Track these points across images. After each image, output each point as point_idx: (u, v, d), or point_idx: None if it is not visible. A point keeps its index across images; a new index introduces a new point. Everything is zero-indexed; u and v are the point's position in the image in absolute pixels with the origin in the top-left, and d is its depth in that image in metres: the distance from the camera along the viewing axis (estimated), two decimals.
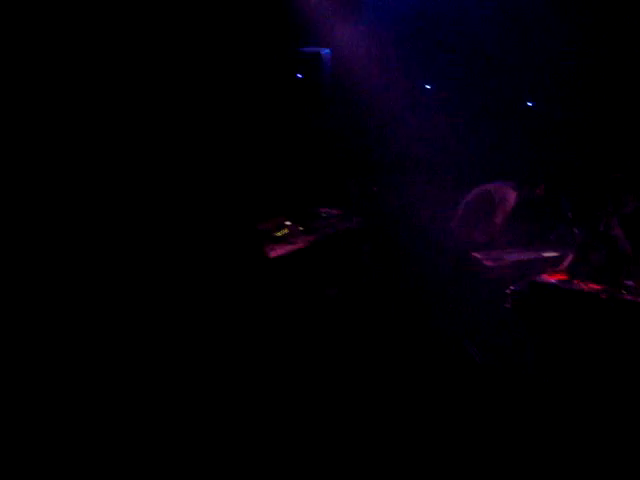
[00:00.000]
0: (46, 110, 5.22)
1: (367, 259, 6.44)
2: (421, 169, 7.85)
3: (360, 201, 7.44)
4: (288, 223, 6.17)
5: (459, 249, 5.85)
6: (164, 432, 3.78)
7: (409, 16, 7.65)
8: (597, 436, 3.79)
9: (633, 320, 4.34)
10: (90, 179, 5.22)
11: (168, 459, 3.60)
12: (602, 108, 6.97)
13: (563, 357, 4.47)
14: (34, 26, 5.18)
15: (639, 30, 6.71)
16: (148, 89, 5.78)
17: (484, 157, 7.35)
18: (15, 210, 4.87)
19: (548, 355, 4.54)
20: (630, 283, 4.60)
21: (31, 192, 4.99)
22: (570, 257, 5.05)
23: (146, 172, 5.50)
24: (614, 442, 3.74)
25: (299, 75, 7.54)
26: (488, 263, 5.40)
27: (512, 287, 4.92)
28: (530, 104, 7.69)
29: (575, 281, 4.75)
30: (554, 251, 5.50)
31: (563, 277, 4.86)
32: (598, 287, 4.61)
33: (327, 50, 7.47)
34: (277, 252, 5.61)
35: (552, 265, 5.13)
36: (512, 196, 5.92)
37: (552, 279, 4.83)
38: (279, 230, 6.04)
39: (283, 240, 5.89)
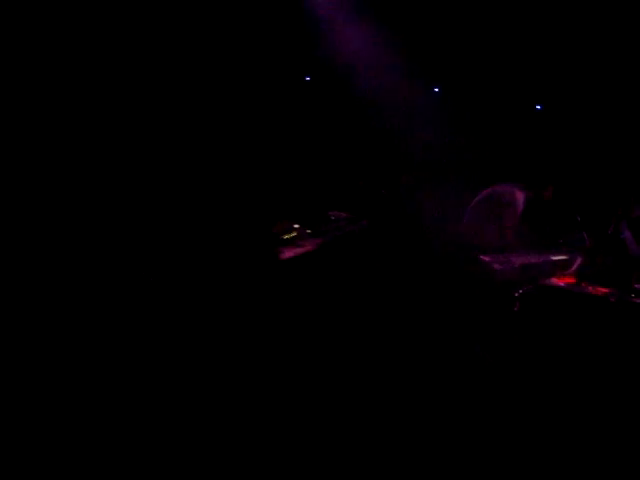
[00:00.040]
0: (47, 110, 5.25)
1: (376, 262, 6.44)
2: (430, 171, 7.84)
3: (369, 204, 7.44)
4: (296, 226, 6.17)
5: (467, 252, 5.85)
6: (166, 431, 3.79)
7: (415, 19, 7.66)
8: (604, 437, 3.79)
9: None
10: (106, 182, 5.25)
11: (168, 459, 3.61)
12: (611, 111, 6.95)
13: (572, 360, 4.47)
14: (34, 26, 5.21)
15: None
16: (160, 96, 5.80)
17: (492, 159, 7.34)
18: (15, 210, 4.89)
19: (556, 357, 4.53)
20: (639, 286, 4.59)
21: (32, 192, 5.01)
22: (579, 260, 5.05)
23: (159, 173, 5.52)
24: (620, 443, 3.73)
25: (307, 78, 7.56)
26: (496, 266, 5.40)
27: (521, 290, 4.91)
28: (538, 107, 7.68)
29: (584, 284, 4.74)
30: (563, 254, 5.48)
31: (572, 280, 4.86)
32: (607, 290, 4.61)
33: None
34: (285, 255, 5.62)
35: (561, 268, 5.12)
36: (521, 198, 5.91)
37: (561, 282, 4.83)
38: (287, 233, 6.05)
39: (291, 243, 5.90)
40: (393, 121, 7.94)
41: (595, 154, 6.83)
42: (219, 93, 6.42)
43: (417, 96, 8.01)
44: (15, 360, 4.18)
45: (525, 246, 5.76)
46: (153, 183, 5.54)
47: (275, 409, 4.05)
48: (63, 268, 4.83)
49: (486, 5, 7.24)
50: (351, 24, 7.50)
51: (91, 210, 5.21)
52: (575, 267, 5.01)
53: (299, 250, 5.76)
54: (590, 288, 4.69)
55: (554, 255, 5.53)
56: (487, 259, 5.47)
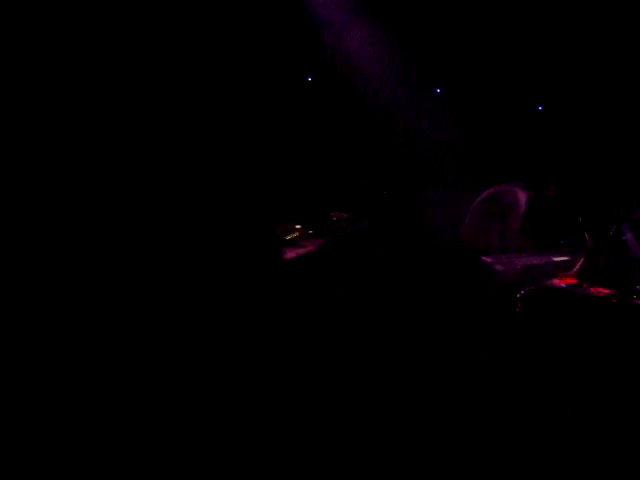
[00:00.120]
0: (47, 110, 5.25)
1: (377, 262, 6.45)
2: (431, 172, 7.85)
3: (370, 205, 7.45)
4: (298, 226, 6.18)
5: (469, 253, 5.85)
6: (167, 431, 3.80)
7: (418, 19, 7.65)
8: (605, 437, 3.79)
9: None
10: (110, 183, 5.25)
11: (168, 459, 3.61)
12: (613, 113, 6.95)
13: (574, 361, 4.47)
14: (34, 26, 5.21)
15: None
16: (162, 96, 5.81)
17: (494, 159, 7.35)
18: (15, 210, 4.90)
19: (558, 359, 4.53)
20: None
21: (34, 192, 5.01)
22: (581, 261, 5.05)
23: (161, 173, 5.52)
24: (621, 443, 3.74)
25: (309, 78, 7.56)
26: (498, 267, 5.40)
27: (522, 291, 4.91)
28: (540, 108, 7.68)
29: (585, 285, 4.74)
30: (565, 255, 5.49)
31: (573, 281, 4.86)
32: (608, 291, 4.60)
33: None
34: (287, 255, 5.63)
35: (563, 269, 5.13)
36: (523, 198, 5.91)
37: (562, 283, 4.83)
38: (289, 233, 6.06)
39: (293, 243, 5.91)
40: (395, 122, 7.95)
41: (597, 155, 6.83)
42: (222, 94, 6.42)
43: (419, 97, 8.01)
44: (15, 360, 4.19)
45: (527, 247, 5.77)
46: (155, 183, 5.55)
47: (276, 408, 4.06)
48: (63, 268, 4.83)
49: (488, 6, 7.25)
50: (352, 25, 7.50)
51: (93, 210, 5.21)
52: (577, 268, 5.01)
53: (301, 250, 5.76)
54: (592, 289, 4.68)
55: (556, 256, 5.53)
56: (489, 260, 5.48)
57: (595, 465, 3.59)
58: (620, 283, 4.64)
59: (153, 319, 4.74)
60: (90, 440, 3.65)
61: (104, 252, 4.97)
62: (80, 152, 5.33)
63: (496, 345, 4.85)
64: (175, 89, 5.92)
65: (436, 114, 7.94)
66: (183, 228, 5.42)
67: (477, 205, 6.17)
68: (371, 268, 6.33)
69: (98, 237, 5.08)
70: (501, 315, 4.98)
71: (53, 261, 4.82)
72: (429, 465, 3.64)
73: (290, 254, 5.69)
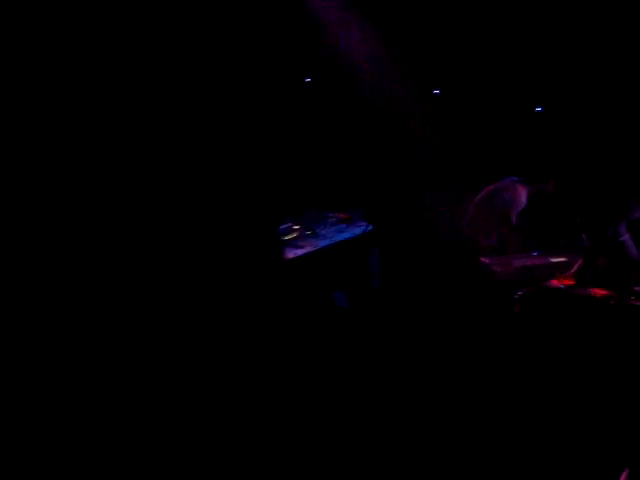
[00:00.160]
0: (47, 110, 5.25)
1: (375, 263, 6.45)
2: (430, 171, 7.84)
3: (369, 205, 7.45)
4: (296, 227, 6.18)
5: (468, 252, 5.85)
6: (166, 431, 3.80)
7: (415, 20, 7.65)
8: (604, 438, 3.79)
9: None
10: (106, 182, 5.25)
11: (168, 459, 3.61)
12: (611, 113, 6.95)
13: (571, 362, 4.47)
14: (34, 26, 5.21)
15: None
16: (162, 96, 5.81)
17: (493, 158, 7.34)
18: (15, 210, 4.89)
19: (556, 359, 4.53)
20: (638, 289, 4.59)
21: (35, 193, 5.01)
22: (578, 263, 5.04)
23: (160, 173, 5.52)
24: (620, 444, 3.74)
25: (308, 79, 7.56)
26: (496, 268, 5.40)
27: (520, 292, 4.91)
28: (539, 109, 7.68)
29: (583, 287, 4.74)
30: (562, 256, 5.49)
31: (571, 282, 4.86)
32: (606, 293, 4.61)
33: None
34: (286, 256, 5.63)
35: (560, 270, 5.13)
36: (523, 194, 5.91)
37: (560, 284, 4.83)
38: (287, 234, 6.06)
39: (291, 244, 5.91)
40: (394, 123, 7.94)
41: (594, 156, 6.82)
42: (221, 94, 6.42)
43: (418, 98, 8.01)
44: (15, 361, 4.19)
45: (526, 244, 5.76)
46: (154, 183, 5.55)
47: (275, 409, 4.06)
48: (63, 268, 4.83)
49: (487, 7, 7.25)
50: (352, 26, 7.51)
51: (91, 210, 5.21)
52: (575, 269, 5.01)
53: (299, 251, 5.76)
54: (590, 290, 4.68)
55: (554, 257, 5.53)
56: (487, 261, 5.48)
57: (593, 465, 3.59)
58: (618, 284, 4.64)
59: (152, 318, 4.74)
60: (90, 440, 3.66)
61: (102, 250, 4.96)
62: (79, 151, 5.33)
63: (494, 346, 4.85)
64: (174, 90, 5.92)
65: (435, 114, 7.94)
66: (182, 227, 5.42)
67: (477, 202, 6.16)
68: (369, 269, 6.33)
69: (96, 236, 5.08)
70: (499, 316, 4.98)
71: (50, 260, 4.82)
72: (427, 465, 3.64)
73: (288, 255, 5.69)
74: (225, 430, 3.84)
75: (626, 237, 4.78)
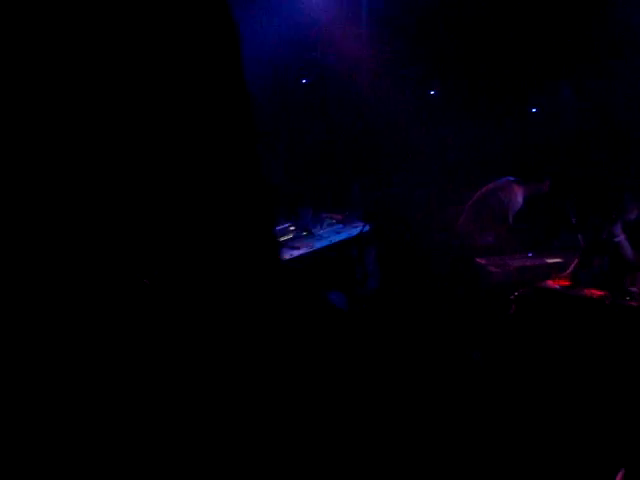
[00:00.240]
0: (47, 110, 5.25)
1: (372, 264, 6.45)
2: (426, 171, 7.86)
3: (364, 205, 7.46)
4: (292, 228, 6.18)
5: (464, 252, 5.85)
6: (166, 431, 3.79)
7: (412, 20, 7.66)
8: (600, 439, 3.80)
9: (637, 326, 4.34)
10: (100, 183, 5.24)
11: (168, 459, 3.61)
12: (607, 114, 6.97)
13: (567, 362, 4.47)
14: (34, 26, 5.21)
15: None
16: (156, 98, 5.80)
17: (488, 159, 7.36)
18: (15, 210, 4.90)
19: (552, 360, 4.54)
20: (634, 289, 4.59)
21: (32, 193, 5.00)
22: (574, 263, 5.05)
23: (161, 175, 5.52)
24: (617, 444, 3.74)
25: (304, 80, 7.57)
26: (492, 269, 5.41)
27: (516, 293, 4.92)
28: (534, 110, 7.70)
29: (579, 287, 4.75)
30: (558, 257, 5.50)
31: (567, 283, 4.86)
32: (602, 293, 4.61)
33: None
34: (282, 257, 5.63)
35: (556, 271, 5.13)
36: (520, 195, 5.91)
37: (556, 285, 4.83)
38: (283, 235, 6.05)
39: (287, 245, 5.90)
40: (390, 123, 7.96)
41: (590, 157, 6.85)
42: (217, 97, 6.42)
43: (414, 96, 8.03)
44: (16, 361, 4.19)
45: (522, 244, 5.77)
46: (148, 183, 5.55)
47: (273, 409, 4.05)
48: (62, 269, 4.83)
49: (482, 8, 7.26)
50: (347, 26, 7.52)
51: (88, 211, 5.21)
52: (570, 270, 5.02)
53: (294, 252, 5.76)
54: (585, 291, 4.69)
55: (549, 258, 5.54)
56: (482, 261, 5.48)
57: (588, 465, 3.60)
58: (613, 285, 4.65)
59: (149, 319, 4.74)
60: (90, 440, 3.66)
61: (97, 251, 4.96)
62: (76, 152, 5.33)
63: (490, 347, 4.85)
64: (167, 89, 5.93)
65: (431, 113, 7.95)
66: (177, 228, 5.42)
67: (473, 202, 6.16)
68: (366, 270, 6.33)
69: (92, 236, 5.08)
70: (495, 317, 4.98)
71: (47, 260, 4.82)
72: (423, 465, 3.64)
73: (284, 256, 5.69)
74: (223, 431, 3.84)
75: (621, 238, 4.79)
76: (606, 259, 4.86)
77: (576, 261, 5.05)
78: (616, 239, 4.78)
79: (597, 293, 4.62)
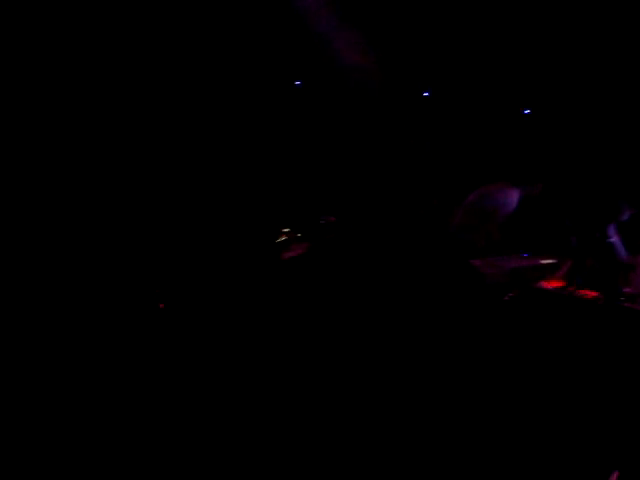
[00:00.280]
0: (47, 110, 5.24)
1: (365, 265, 6.44)
2: (420, 173, 7.87)
3: (360, 206, 7.46)
4: (286, 230, 6.18)
5: (457, 255, 5.85)
6: (166, 432, 3.80)
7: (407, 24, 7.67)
8: (592, 440, 3.80)
9: (631, 327, 4.35)
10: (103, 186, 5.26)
11: (168, 459, 3.61)
12: (600, 115, 7.00)
13: (560, 363, 4.48)
14: (34, 26, 5.20)
15: (636, 35, 6.73)
16: (149, 103, 5.81)
17: (483, 160, 7.38)
18: (15, 211, 4.89)
19: (545, 361, 4.54)
20: (627, 290, 4.61)
21: (32, 193, 5.00)
22: (568, 264, 5.06)
23: (151, 180, 5.53)
24: (610, 445, 3.75)
25: (297, 83, 7.57)
26: (486, 270, 5.41)
27: (510, 294, 4.92)
28: (527, 112, 7.72)
29: (572, 288, 4.76)
30: (552, 258, 5.51)
31: (561, 284, 4.88)
32: (595, 294, 4.62)
33: None
34: (280, 259, 5.63)
35: (550, 272, 5.14)
36: (514, 197, 5.92)
37: (550, 286, 4.84)
38: (277, 237, 6.06)
39: (281, 247, 5.91)
40: (384, 125, 7.96)
41: (584, 158, 6.86)
42: (210, 100, 6.42)
43: (407, 100, 8.03)
44: (16, 362, 4.19)
45: (515, 246, 5.78)
46: (151, 190, 5.56)
47: (268, 409, 4.06)
48: (63, 273, 4.84)
49: (475, 9, 7.27)
50: (341, 29, 7.52)
51: (86, 217, 5.22)
52: (564, 271, 5.03)
53: (288, 254, 5.76)
54: (579, 292, 4.70)
55: (543, 259, 5.55)
56: (477, 263, 5.48)
57: (583, 466, 3.60)
58: (607, 286, 4.66)
59: (139, 320, 4.74)
60: (90, 441, 3.65)
61: (90, 256, 4.96)
62: (79, 161, 5.34)
63: (483, 348, 4.85)
64: (159, 94, 5.92)
65: (424, 116, 7.96)
66: (177, 234, 5.43)
67: (467, 204, 6.16)
68: (358, 272, 6.32)
69: (84, 241, 5.08)
70: (488, 318, 4.98)
71: (55, 268, 4.83)
72: (417, 465, 3.64)
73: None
74: (222, 430, 3.85)
75: (615, 239, 4.80)
76: (599, 260, 4.87)
77: (570, 262, 5.07)
78: (609, 240, 4.79)
79: (591, 294, 4.64)
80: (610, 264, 4.80)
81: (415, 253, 6.20)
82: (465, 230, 6.04)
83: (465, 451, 3.77)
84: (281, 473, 3.58)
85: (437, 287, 5.69)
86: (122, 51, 5.60)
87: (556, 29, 7.03)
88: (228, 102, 6.64)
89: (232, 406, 4.09)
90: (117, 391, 4.12)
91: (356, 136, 8.05)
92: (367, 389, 4.44)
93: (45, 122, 5.18)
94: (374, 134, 8.05)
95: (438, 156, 7.71)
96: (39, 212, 5.00)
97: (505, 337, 4.84)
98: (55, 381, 4.16)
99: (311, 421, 4.00)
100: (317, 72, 7.73)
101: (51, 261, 4.87)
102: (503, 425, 4.02)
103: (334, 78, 7.74)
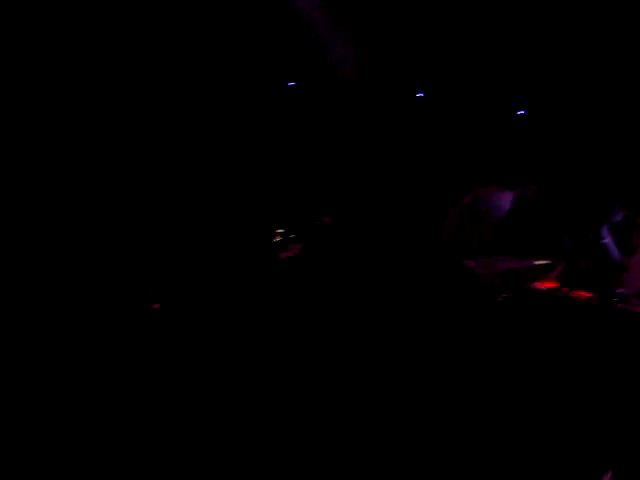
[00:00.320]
0: (47, 111, 5.23)
1: (358, 266, 6.45)
2: (413, 174, 7.87)
3: (353, 208, 7.46)
4: (280, 231, 6.18)
5: (450, 256, 5.86)
6: (164, 432, 3.79)
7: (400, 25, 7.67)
8: (585, 440, 3.81)
9: (624, 328, 4.36)
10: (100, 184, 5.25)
11: (168, 459, 3.60)
12: (591, 116, 7.01)
13: (554, 364, 4.49)
14: (34, 26, 5.19)
15: (628, 37, 6.75)
16: (153, 96, 5.80)
17: (476, 162, 7.38)
18: (15, 211, 4.88)
19: (539, 362, 4.55)
20: (621, 291, 4.62)
21: (32, 193, 4.99)
22: (561, 265, 5.08)
23: (154, 179, 5.53)
24: (602, 443, 3.76)
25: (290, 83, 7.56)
26: (480, 271, 5.42)
27: (504, 295, 4.93)
28: (522, 112, 7.73)
29: (566, 289, 4.77)
30: (545, 259, 5.51)
31: (554, 285, 4.88)
32: (589, 295, 4.63)
33: None
34: (277, 260, 5.63)
35: (543, 273, 5.15)
36: (507, 200, 5.94)
37: (543, 287, 4.85)
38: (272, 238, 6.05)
39: (277, 247, 5.91)
40: (377, 126, 7.97)
41: (577, 159, 6.88)
42: (203, 101, 6.41)
43: (401, 101, 8.03)
44: (15, 363, 4.18)
45: (508, 249, 5.79)
46: (146, 191, 5.55)
47: (262, 409, 4.05)
48: (61, 273, 4.83)
49: (470, 10, 7.28)
50: (335, 29, 7.52)
51: (78, 218, 5.21)
52: (557, 272, 5.04)
53: (283, 254, 5.76)
54: (572, 293, 4.71)
55: (537, 260, 5.56)
56: (470, 263, 5.49)
57: (576, 466, 3.61)
58: (600, 286, 4.67)
59: (134, 321, 4.73)
60: (90, 441, 3.65)
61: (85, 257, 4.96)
62: (72, 154, 5.33)
63: (477, 348, 4.86)
64: (152, 96, 5.92)
65: (418, 117, 7.97)
66: (172, 235, 5.43)
67: (461, 206, 6.18)
68: (352, 272, 6.33)
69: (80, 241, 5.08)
70: (482, 318, 4.99)
71: (46, 268, 4.82)
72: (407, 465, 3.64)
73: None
74: (220, 431, 3.84)
75: (608, 240, 4.82)
76: (593, 261, 4.88)
77: (563, 263, 5.08)
78: (603, 241, 4.81)
79: (584, 295, 4.65)
80: (603, 265, 4.81)
81: (409, 254, 6.21)
82: (459, 231, 6.06)
83: (456, 448, 3.77)
84: (279, 473, 3.58)
85: (431, 287, 5.70)
86: (112, 53, 5.60)
87: (545, 30, 7.04)
88: (221, 103, 6.64)
89: (227, 405, 4.09)
90: (110, 391, 4.11)
91: (350, 137, 8.05)
92: (361, 387, 4.45)
93: (37, 119, 5.17)
94: (367, 135, 8.05)
95: (433, 158, 7.71)
96: (31, 212, 4.99)
97: (499, 337, 4.85)
98: (48, 380, 4.15)
99: (305, 420, 4.01)
100: (311, 73, 7.72)
101: (43, 261, 4.85)
102: (496, 424, 4.03)
103: (328, 80, 7.74)
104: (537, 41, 7.14)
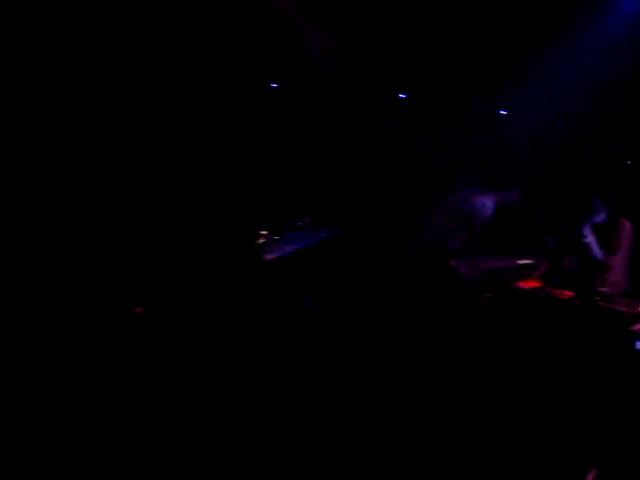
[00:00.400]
0: (46, 110, 5.20)
1: (344, 268, 6.45)
2: (398, 175, 7.88)
3: (337, 210, 7.46)
4: (264, 232, 6.15)
5: (436, 257, 5.88)
6: (162, 432, 3.77)
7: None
8: (569, 439, 3.83)
9: (606, 326, 4.39)
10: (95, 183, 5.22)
11: (168, 459, 3.59)
12: (575, 116, 7.05)
13: (537, 363, 4.51)
14: (34, 26, 5.15)
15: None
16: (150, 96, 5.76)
17: (461, 165, 7.40)
18: (16, 211, 4.85)
19: (523, 361, 4.57)
20: (603, 289, 4.65)
21: (31, 192, 4.96)
22: (544, 264, 5.10)
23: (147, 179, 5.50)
24: (586, 444, 3.78)
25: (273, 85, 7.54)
26: (463, 270, 5.44)
27: (487, 294, 4.95)
28: (503, 112, 7.77)
29: (549, 288, 4.79)
30: (529, 258, 5.54)
31: (537, 284, 4.90)
32: (571, 294, 4.66)
33: None
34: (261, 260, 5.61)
35: (527, 272, 5.17)
36: (490, 203, 5.97)
37: (526, 286, 4.87)
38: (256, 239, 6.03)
39: (260, 249, 5.88)
40: (361, 127, 7.96)
41: (559, 159, 6.92)
42: (194, 102, 6.39)
43: (383, 102, 8.04)
44: (16, 363, 4.16)
45: (492, 250, 5.82)
46: (124, 193, 5.52)
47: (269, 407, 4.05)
48: (60, 272, 4.81)
49: (454, 11, 7.31)
50: (317, 30, 7.50)
51: (63, 220, 5.17)
52: (540, 271, 5.07)
53: (267, 256, 5.74)
54: (555, 292, 4.73)
55: (520, 259, 5.59)
56: (454, 263, 5.51)
57: (560, 464, 3.63)
58: (582, 285, 4.70)
59: (142, 324, 4.73)
60: (90, 441, 3.62)
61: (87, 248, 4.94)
62: (71, 153, 5.30)
63: (461, 348, 4.87)
64: (146, 98, 5.89)
65: (400, 119, 7.97)
66: (156, 237, 5.40)
67: (445, 208, 6.21)
68: (337, 273, 6.33)
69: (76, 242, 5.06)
70: (466, 318, 5.01)
71: (49, 265, 4.79)
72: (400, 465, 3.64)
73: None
74: (212, 431, 3.83)
75: (590, 239, 4.84)
76: (575, 260, 4.91)
77: (546, 262, 5.10)
78: (585, 240, 4.83)
79: (567, 293, 4.67)
80: (586, 264, 4.84)
81: (393, 254, 6.22)
82: (442, 233, 6.09)
83: (445, 446, 3.78)
84: (276, 472, 3.57)
85: (416, 287, 5.71)
86: (105, 55, 5.56)
87: (528, 24, 7.08)
88: (206, 105, 6.61)
89: (216, 407, 4.07)
90: (95, 393, 4.08)
91: (332, 138, 8.05)
92: (351, 386, 4.44)
93: (33, 118, 5.13)
94: (350, 136, 8.05)
95: (415, 160, 7.73)
96: (19, 212, 4.96)
97: (482, 337, 4.86)
98: (36, 380, 4.12)
99: (298, 419, 3.99)
100: (294, 74, 7.70)
101: (26, 262, 4.81)
102: (480, 422, 4.04)
103: (311, 80, 7.73)
104: (518, 40, 7.18)
